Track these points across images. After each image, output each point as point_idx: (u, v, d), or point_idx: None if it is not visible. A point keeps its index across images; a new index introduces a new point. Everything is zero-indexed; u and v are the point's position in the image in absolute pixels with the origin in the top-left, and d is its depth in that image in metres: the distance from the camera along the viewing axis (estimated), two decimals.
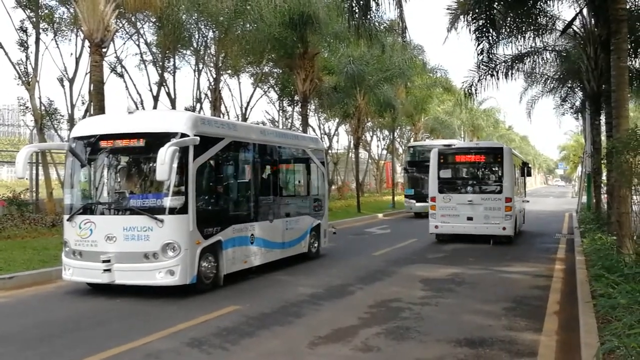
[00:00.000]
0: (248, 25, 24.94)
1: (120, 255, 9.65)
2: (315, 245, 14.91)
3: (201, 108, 29.57)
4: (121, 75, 27.50)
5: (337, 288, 10.81)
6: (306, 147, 15.17)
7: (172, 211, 9.63)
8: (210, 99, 28.26)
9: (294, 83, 29.19)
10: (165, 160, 8.81)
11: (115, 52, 27.04)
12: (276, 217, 12.89)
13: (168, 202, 9.65)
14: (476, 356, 6.71)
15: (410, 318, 8.51)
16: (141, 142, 10.03)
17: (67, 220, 10.31)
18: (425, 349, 6.99)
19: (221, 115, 28.43)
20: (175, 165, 9.30)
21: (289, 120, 39.48)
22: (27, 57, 22.35)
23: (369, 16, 15.65)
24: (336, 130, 45.03)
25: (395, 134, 47.67)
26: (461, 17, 17.16)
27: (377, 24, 19.17)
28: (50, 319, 8.64)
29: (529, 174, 24.04)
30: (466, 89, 21.02)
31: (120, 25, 24.82)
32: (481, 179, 18.90)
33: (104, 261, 9.59)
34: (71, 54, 24.62)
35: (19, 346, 7.21)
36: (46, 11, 23.44)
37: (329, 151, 43.41)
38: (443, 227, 18.18)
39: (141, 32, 27.51)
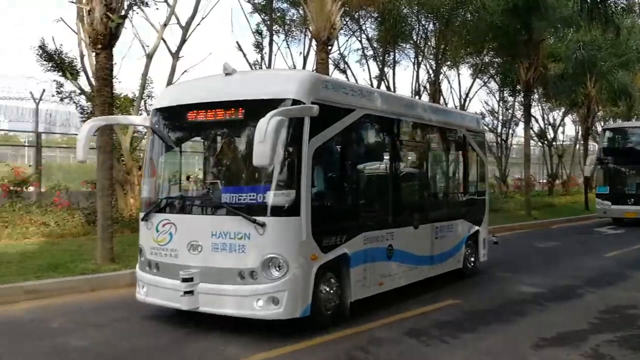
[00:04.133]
0: (469, 15, 24.52)
1: (207, 272, 7.03)
2: (472, 259, 11.36)
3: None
4: (344, 71, 28.80)
5: (562, 289, 10.20)
6: (464, 128, 11.57)
7: (278, 211, 6.85)
8: (429, 92, 28.29)
9: (516, 72, 27.99)
10: (266, 137, 6.06)
11: (339, 49, 28.40)
12: (423, 222, 9.66)
13: (271, 198, 6.86)
14: None
15: None
16: (239, 114, 7.31)
17: (142, 219, 7.84)
18: None
19: None
20: (282, 144, 6.69)
21: (509, 111, 38.04)
22: (262, 58, 24.44)
23: None
24: (562, 120, 42.23)
25: None
26: None
27: (612, 4, 17.60)
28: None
29: None
30: None
31: (344, 22, 25.93)
32: None
33: (184, 279, 6.98)
34: (300, 53, 26.40)
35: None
36: (279, 14, 25.35)
37: (553, 143, 40.92)
38: None
39: (363, 28, 28.47)
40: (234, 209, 6.99)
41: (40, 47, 16.83)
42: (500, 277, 11.34)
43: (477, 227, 11.51)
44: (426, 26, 27.31)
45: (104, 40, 10.92)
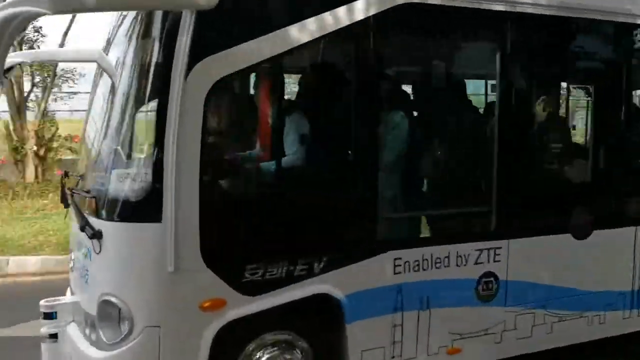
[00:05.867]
0: None
1: (75, 306, 3.79)
2: None
3: None
4: None
5: None
6: None
7: (120, 211, 3.31)
8: None
9: None
10: None
11: None
12: (604, 224, 4.52)
13: (110, 183, 3.38)
14: None
15: None
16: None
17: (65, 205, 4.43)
18: None
19: None
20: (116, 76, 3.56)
21: None
22: None
23: None
24: None
25: None
26: None
27: None
28: None
29: None
30: None
31: None
32: None
33: (45, 315, 3.75)
34: None
35: None
36: None
37: None
38: None
39: None
40: (78, 198, 3.75)
41: None
42: None
43: None
44: None
45: None
